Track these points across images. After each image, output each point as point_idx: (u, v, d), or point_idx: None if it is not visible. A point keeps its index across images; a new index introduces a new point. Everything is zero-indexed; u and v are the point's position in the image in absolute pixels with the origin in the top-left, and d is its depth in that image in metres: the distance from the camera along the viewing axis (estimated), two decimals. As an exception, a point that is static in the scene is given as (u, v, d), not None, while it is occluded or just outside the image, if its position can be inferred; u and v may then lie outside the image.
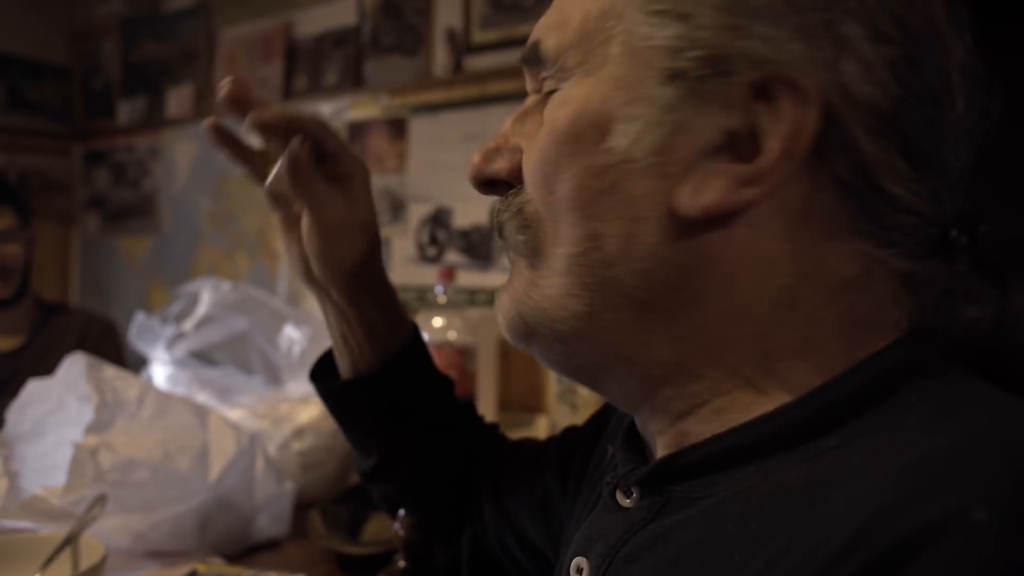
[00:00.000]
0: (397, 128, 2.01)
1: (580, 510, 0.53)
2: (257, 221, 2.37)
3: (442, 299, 1.40)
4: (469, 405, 0.74)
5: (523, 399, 1.69)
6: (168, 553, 0.86)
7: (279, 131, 0.56)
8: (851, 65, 0.35)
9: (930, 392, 0.34)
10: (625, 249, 0.38)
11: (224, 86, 0.56)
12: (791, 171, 0.35)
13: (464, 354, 1.35)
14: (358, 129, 2.09)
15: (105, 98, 2.83)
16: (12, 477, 0.86)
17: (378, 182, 2.05)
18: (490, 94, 1.80)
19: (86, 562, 0.71)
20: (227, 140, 0.60)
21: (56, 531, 0.75)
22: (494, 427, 0.74)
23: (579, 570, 0.43)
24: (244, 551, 0.91)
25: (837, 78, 0.35)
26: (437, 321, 1.36)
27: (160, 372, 1.33)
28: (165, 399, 0.92)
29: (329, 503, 0.98)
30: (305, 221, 0.58)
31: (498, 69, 1.79)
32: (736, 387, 0.38)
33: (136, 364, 1.46)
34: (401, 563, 0.70)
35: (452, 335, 1.34)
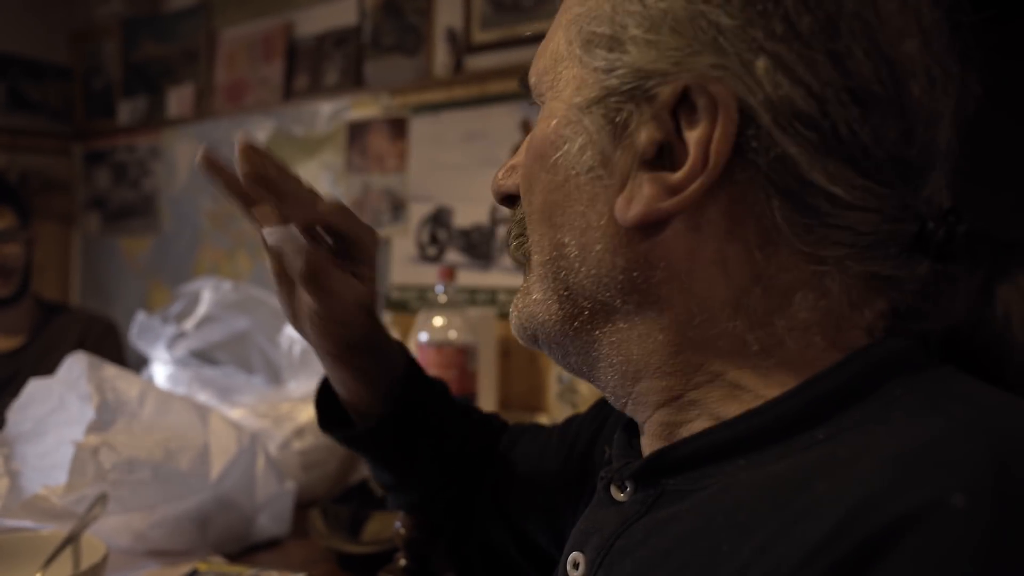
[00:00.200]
0: (398, 128, 2.01)
1: (581, 508, 0.53)
2: (258, 221, 2.37)
3: (442, 298, 1.40)
4: (467, 406, 0.73)
5: (523, 398, 1.69)
6: (169, 552, 0.87)
7: (297, 206, 0.53)
8: (765, 69, 0.35)
9: (916, 386, 0.35)
10: (581, 257, 0.41)
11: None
12: (715, 177, 0.36)
13: (464, 353, 1.35)
14: (358, 129, 2.09)
15: (106, 98, 2.83)
16: (13, 476, 0.86)
17: (378, 182, 2.05)
18: (490, 94, 1.80)
19: (87, 561, 0.72)
20: (220, 172, 0.55)
21: (57, 530, 0.75)
22: (492, 417, 0.74)
23: (575, 565, 0.44)
24: (245, 550, 0.91)
25: (752, 83, 0.35)
26: (438, 320, 1.36)
27: (161, 372, 1.33)
28: (166, 399, 0.93)
29: (330, 502, 0.98)
30: (306, 304, 0.55)
31: (498, 69, 1.79)
32: (707, 382, 0.40)
33: (137, 364, 1.46)
34: (402, 562, 0.70)
35: (453, 334, 1.34)
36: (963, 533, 0.27)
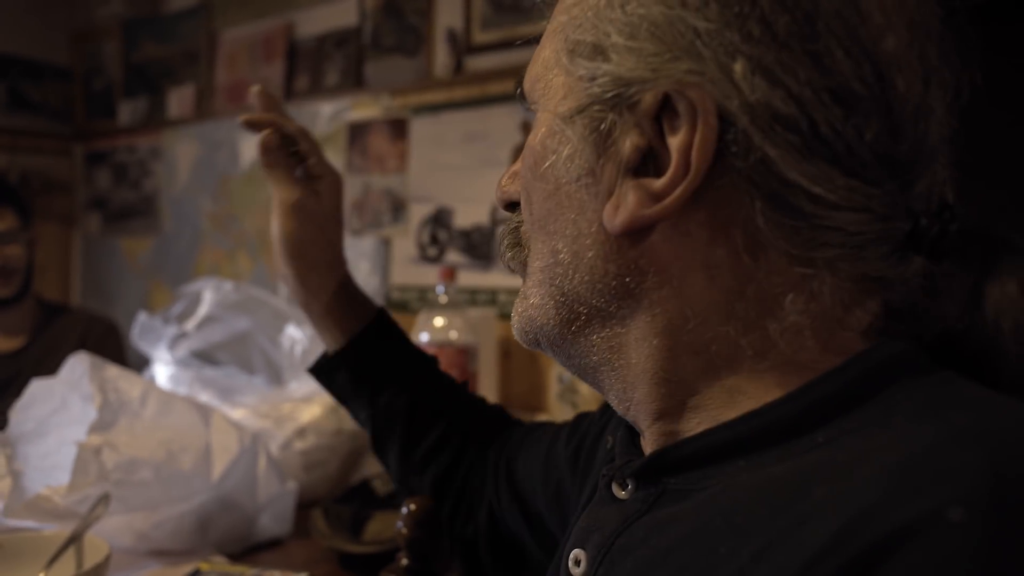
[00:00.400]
0: (398, 128, 2.01)
1: (584, 502, 0.54)
2: (258, 221, 2.37)
3: (443, 299, 1.40)
4: (459, 383, 0.78)
5: (524, 398, 1.70)
6: (171, 552, 0.87)
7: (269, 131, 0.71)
8: (743, 72, 0.35)
9: (916, 390, 0.35)
10: (575, 264, 0.41)
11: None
12: (696, 183, 0.36)
13: (465, 354, 1.35)
14: (359, 129, 2.09)
15: (106, 99, 2.83)
16: (16, 477, 0.86)
17: (379, 182, 2.05)
18: (491, 94, 1.80)
19: (90, 561, 0.72)
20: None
21: (60, 530, 0.75)
22: (499, 408, 0.78)
23: (577, 562, 0.44)
24: (247, 550, 0.91)
25: (730, 87, 0.35)
26: (438, 321, 1.36)
27: (162, 372, 1.33)
28: (168, 399, 0.93)
29: (331, 502, 0.98)
30: (275, 202, 0.72)
31: (499, 69, 1.79)
32: (705, 387, 0.40)
33: (138, 364, 1.46)
34: (404, 561, 0.70)
35: (453, 335, 1.35)
36: (959, 546, 0.27)
